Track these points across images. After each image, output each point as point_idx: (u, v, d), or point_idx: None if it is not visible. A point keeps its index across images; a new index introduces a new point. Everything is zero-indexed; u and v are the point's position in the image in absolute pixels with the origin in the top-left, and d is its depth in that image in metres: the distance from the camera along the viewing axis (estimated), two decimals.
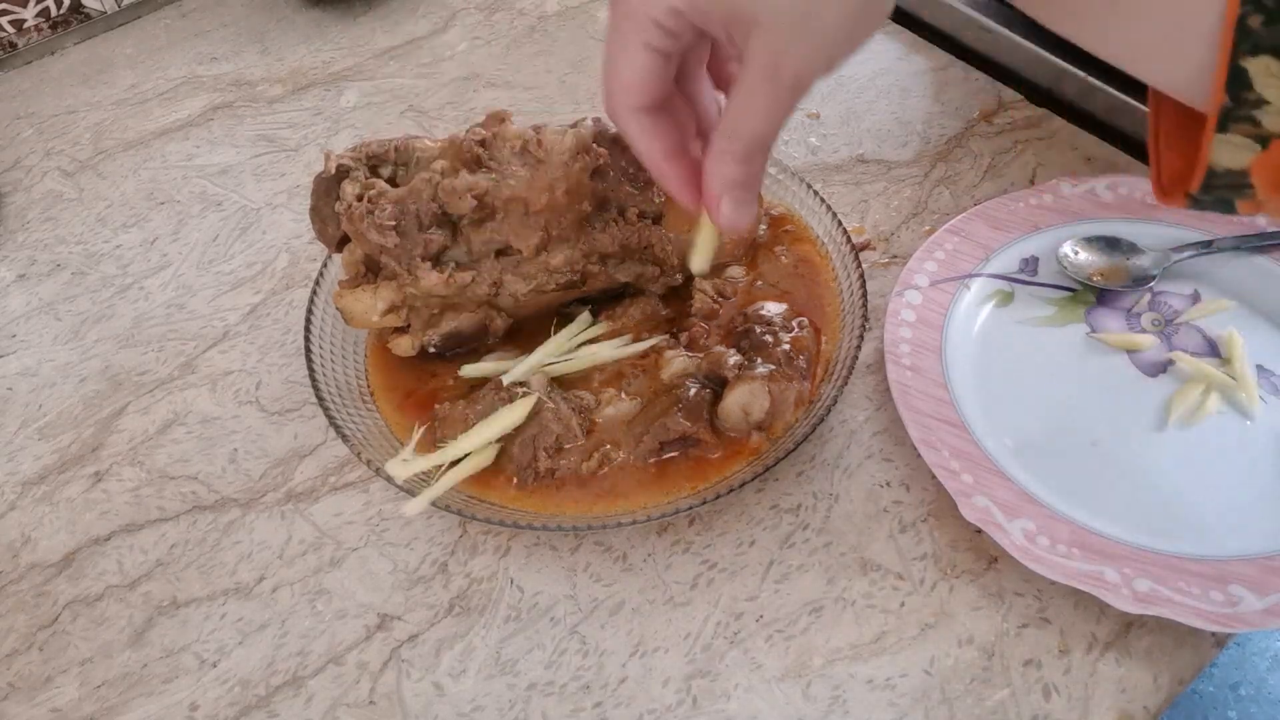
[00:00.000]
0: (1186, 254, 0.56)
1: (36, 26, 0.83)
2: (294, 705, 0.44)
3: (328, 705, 0.44)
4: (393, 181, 0.50)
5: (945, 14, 0.75)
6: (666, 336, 0.52)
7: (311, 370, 0.50)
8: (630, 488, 0.48)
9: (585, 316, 0.53)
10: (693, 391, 0.49)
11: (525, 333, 0.53)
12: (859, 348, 0.50)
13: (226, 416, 0.56)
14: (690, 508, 0.45)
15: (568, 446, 0.49)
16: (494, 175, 0.48)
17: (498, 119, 0.50)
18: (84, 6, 0.84)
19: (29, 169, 0.73)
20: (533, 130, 0.49)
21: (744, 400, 0.48)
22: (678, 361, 0.51)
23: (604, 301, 0.54)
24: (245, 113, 0.76)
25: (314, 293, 0.54)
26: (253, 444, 0.54)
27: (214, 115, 0.76)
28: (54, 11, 0.83)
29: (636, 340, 0.53)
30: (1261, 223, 0.57)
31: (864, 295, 0.52)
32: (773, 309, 0.53)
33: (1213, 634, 0.43)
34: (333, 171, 0.49)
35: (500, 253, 0.50)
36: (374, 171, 0.50)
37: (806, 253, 0.57)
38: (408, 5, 0.85)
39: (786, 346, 0.50)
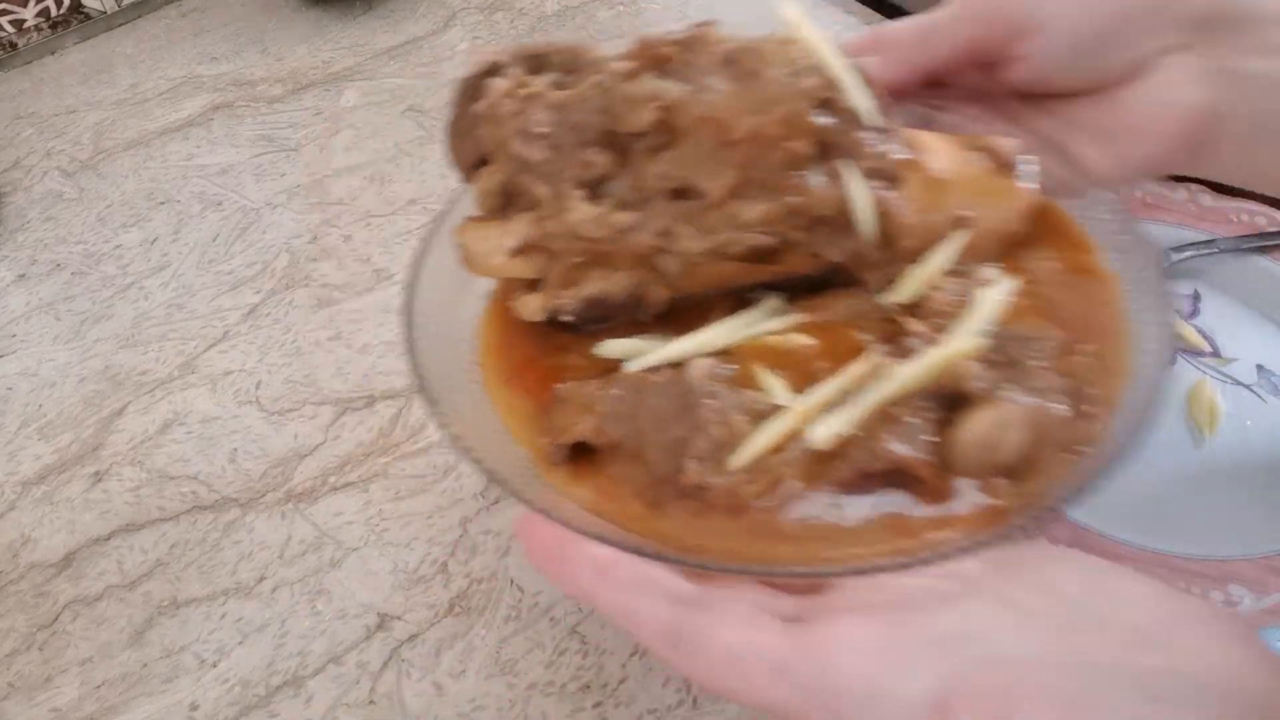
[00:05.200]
0: (1186, 254, 0.56)
1: (36, 26, 0.83)
2: (294, 705, 0.44)
3: (328, 705, 0.44)
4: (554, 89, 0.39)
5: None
6: (879, 344, 0.37)
7: (410, 329, 0.39)
8: (802, 529, 0.33)
9: (775, 301, 0.39)
10: (914, 411, 0.34)
11: (689, 315, 0.39)
12: (1158, 388, 0.35)
13: (226, 416, 0.56)
14: (887, 566, 0.30)
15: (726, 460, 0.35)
16: (687, 85, 0.35)
17: (703, 27, 0.38)
18: (84, 6, 0.84)
19: (29, 169, 0.73)
20: (749, 38, 0.36)
21: (991, 432, 0.33)
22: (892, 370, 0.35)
23: (797, 290, 0.39)
24: (245, 113, 0.76)
25: (434, 228, 0.42)
26: (253, 444, 0.54)
27: (214, 115, 0.76)
28: (54, 11, 0.83)
29: (836, 340, 0.38)
30: (1261, 223, 0.57)
31: (1169, 321, 0.37)
32: (1037, 325, 0.38)
33: None
34: (480, 69, 0.38)
35: (677, 193, 0.37)
36: (532, 74, 0.39)
37: (1080, 260, 0.42)
38: (408, 5, 0.85)
39: (1054, 378, 0.35)
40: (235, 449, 0.54)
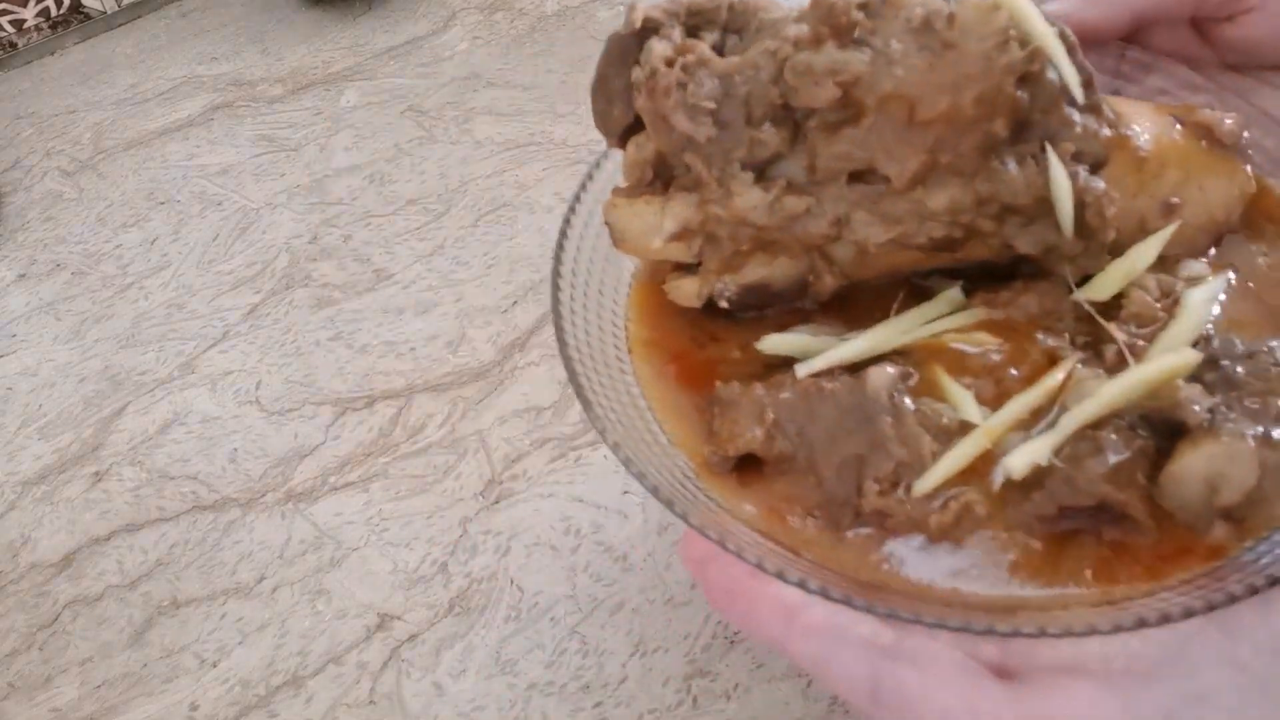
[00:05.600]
0: None
1: (36, 26, 0.83)
2: (294, 705, 0.44)
3: (328, 705, 0.44)
4: (719, 52, 0.34)
5: None
6: (1074, 349, 0.33)
7: (558, 308, 0.36)
8: (997, 569, 0.30)
9: (954, 294, 0.35)
10: (1122, 439, 0.30)
11: (857, 303, 0.36)
12: None
13: (226, 416, 0.56)
14: (1102, 629, 0.27)
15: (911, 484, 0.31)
16: (873, 57, 0.31)
17: None
18: (84, 6, 0.84)
19: (29, 169, 0.73)
20: (944, 2, 0.32)
21: (1212, 467, 0.29)
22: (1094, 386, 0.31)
23: (977, 277, 0.35)
24: (245, 113, 0.76)
25: (577, 199, 0.38)
26: (253, 444, 0.54)
27: (214, 115, 0.76)
28: (54, 11, 0.83)
29: (1025, 342, 0.34)
30: None
31: None
32: (1256, 333, 0.33)
33: None
34: (637, 26, 0.34)
35: (856, 177, 0.33)
36: (693, 34, 0.35)
37: None
38: (408, 5, 0.85)
39: None
40: (235, 449, 0.54)
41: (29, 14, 0.82)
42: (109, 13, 0.85)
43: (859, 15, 0.31)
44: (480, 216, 0.66)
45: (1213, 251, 0.36)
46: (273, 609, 0.48)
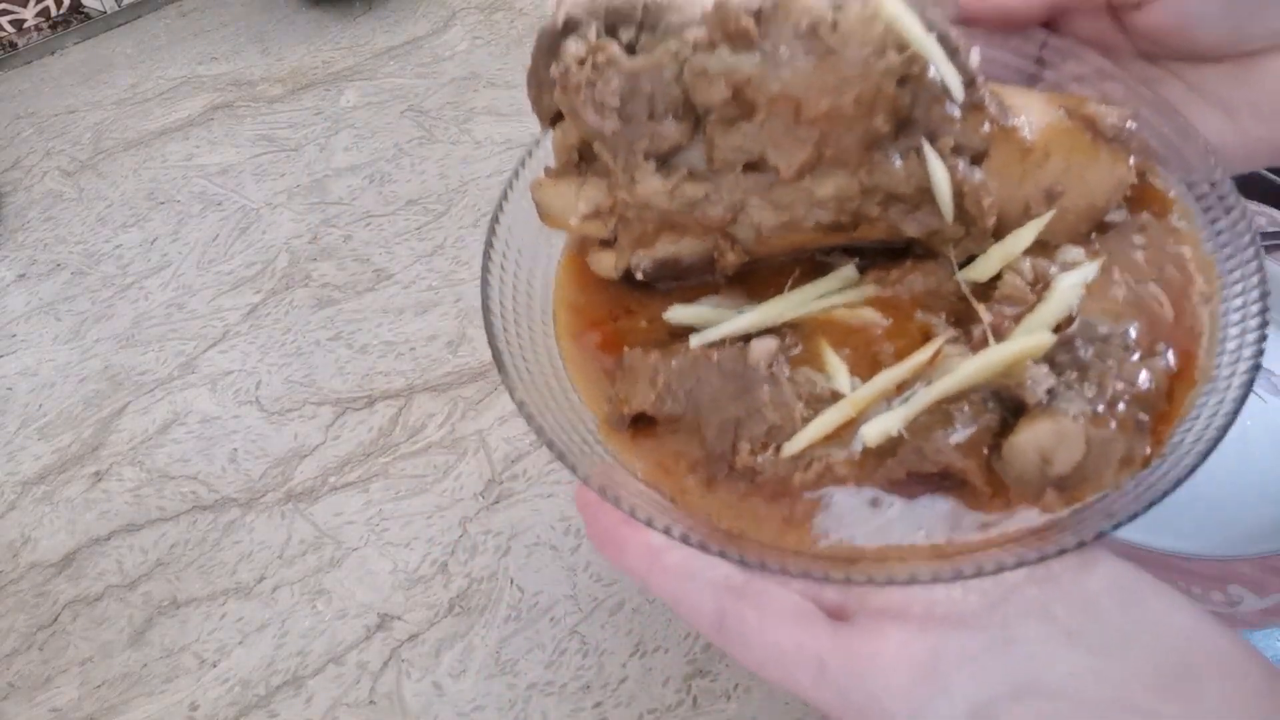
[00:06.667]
0: None
1: (36, 26, 0.83)
2: (294, 705, 0.44)
3: (328, 705, 0.44)
4: (632, 49, 0.37)
5: None
6: (948, 326, 0.36)
7: (486, 276, 0.40)
8: (845, 523, 0.34)
9: (848, 271, 0.39)
10: (973, 412, 0.34)
11: (762, 277, 0.40)
12: (1234, 414, 0.33)
13: (226, 416, 0.56)
14: (926, 580, 0.30)
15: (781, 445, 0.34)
16: (763, 60, 0.35)
17: None
18: (84, 6, 0.84)
19: (29, 169, 0.73)
20: (830, 9, 0.35)
21: (1046, 442, 0.32)
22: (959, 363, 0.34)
23: (876, 255, 0.39)
24: (245, 113, 0.76)
25: (516, 174, 0.42)
26: (253, 444, 0.54)
27: (214, 115, 0.76)
28: (54, 11, 0.83)
29: (905, 319, 0.37)
30: (1261, 222, 0.57)
31: (1260, 338, 0.35)
32: (1115, 318, 0.36)
33: None
34: (559, 24, 0.37)
35: (750, 167, 0.37)
36: (611, 31, 0.37)
37: (1180, 256, 0.39)
38: (408, 5, 0.85)
39: (1122, 385, 0.34)
40: (235, 449, 0.54)
41: (29, 14, 0.82)
42: (109, 13, 0.85)
43: (750, 22, 0.35)
44: (480, 216, 0.66)
45: (1095, 238, 0.39)
46: (273, 609, 0.48)
